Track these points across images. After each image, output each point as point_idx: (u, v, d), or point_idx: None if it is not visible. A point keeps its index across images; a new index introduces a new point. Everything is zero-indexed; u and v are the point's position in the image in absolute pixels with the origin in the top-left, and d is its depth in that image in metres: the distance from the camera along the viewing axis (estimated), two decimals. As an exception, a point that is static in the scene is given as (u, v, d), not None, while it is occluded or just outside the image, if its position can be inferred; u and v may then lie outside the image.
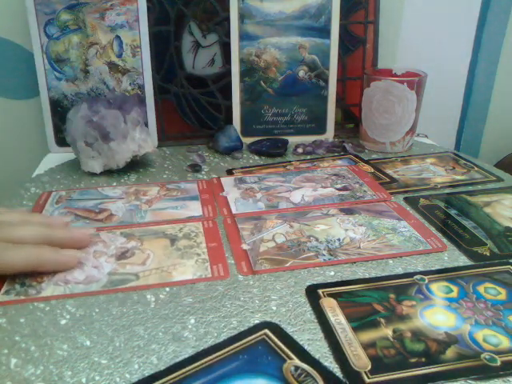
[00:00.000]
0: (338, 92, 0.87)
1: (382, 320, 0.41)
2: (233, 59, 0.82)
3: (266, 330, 0.40)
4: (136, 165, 0.75)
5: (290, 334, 0.40)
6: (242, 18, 0.80)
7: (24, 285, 0.46)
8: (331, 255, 0.51)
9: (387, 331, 0.40)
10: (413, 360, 0.37)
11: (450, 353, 0.38)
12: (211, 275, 0.48)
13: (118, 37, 0.78)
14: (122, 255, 0.51)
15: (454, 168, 0.75)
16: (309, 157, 0.80)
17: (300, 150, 0.81)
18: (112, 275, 0.48)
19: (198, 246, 0.52)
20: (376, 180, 0.70)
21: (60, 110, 0.80)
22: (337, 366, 0.37)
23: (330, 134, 0.87)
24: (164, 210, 0.61)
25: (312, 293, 0.45)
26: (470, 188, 0.68)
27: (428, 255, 0.51)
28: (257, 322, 0.41)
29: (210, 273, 0.48)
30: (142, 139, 0.72)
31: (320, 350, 0.38)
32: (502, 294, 0.45)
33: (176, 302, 0.44)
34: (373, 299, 0.44)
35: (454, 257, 0.51)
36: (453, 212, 0.61)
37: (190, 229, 0.56)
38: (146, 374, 0.36)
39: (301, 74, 0.84)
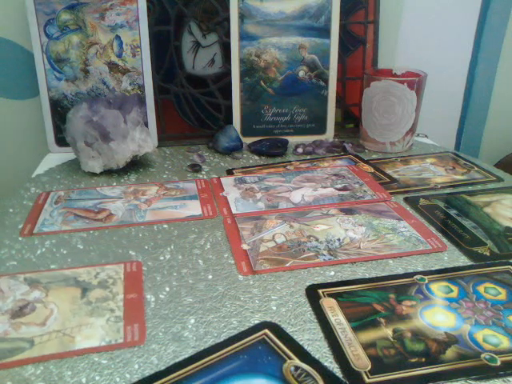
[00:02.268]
0: (337, 92, 0.87)
1: (382, 320, 0.41)
2: (233, 59, 0.82)
3: (266, 330, 0.40)
4: (136, 165, 0.75)
5: (290, 334, 0.40)
6: (242, 17, 0.80)
7: None
8: (331, 255, 0.51)
9: (387, 331, 0.40)
10: (413, 360, 0.37)
11: (449, 353, 0.38)
12: (123, 340, 0.39)
13: (117, 37, 0.78)
14: (20, 311, 0.42)
15: (454, 168, 0.75)
16: (309, 157, 0.80)
17: (300, 150, 0.81)
18: None
19: (113, 298, 0.44)
20: (376, 180, 0.70)
21: (60, 110, 0.80)
22: (337, 365, 0.37)
23: (329, 134, 0.87)
24: (163, 210, 0.61)
25: (312, 293, 0.45)
26: (470, 188, 0.68)
27: (428, 255, 0.51)
28: (257, 322, 0.41)
29: (122, 337, 0.40)
30: (141, 139, 0.72)
31: (320, 349, 0.38)
32: (502, 294, 0.45)
33: (176, 301, 0.44)
34: (373, 299, 0.44)
35: (454, 257, 0.51)
36: (453, 212, 0.61)
37: (108, 274, 0.47)
38: (146, 374, 0.36)
39: (301, 74, 0.84)
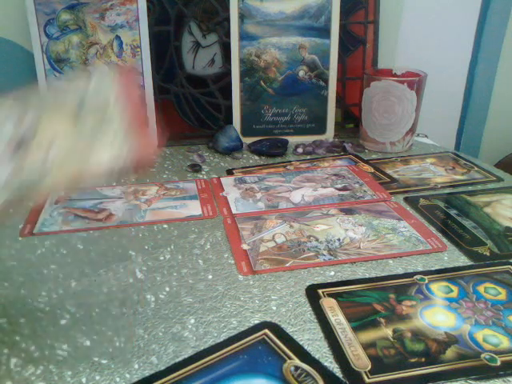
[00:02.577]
0: (337, 92, 0.87)
1: (382, 320, 0.41)
2: (233, 59, 0.82)
3: (266, 330, 0.40)
4: (136, 165, 0.75)
5: (290, 333, 0.40)
6: (242, 17, 0.80)
7: None
8: (331, 255, 0.51)
9: (387, 331, 0.40)
10: (413, 360, 0.37)
11: (449, 353, 0.38)
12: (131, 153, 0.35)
13: (117, 37, 0.78)
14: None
15: (453, 168, 0.75)
16: (309, 157, 0.80)
17: (300, 150, 0.81)
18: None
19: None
20: (376, 180, 0.70)
21: (60, 110, 0.80)
22: (337, 366, 0.37)
23: (329, 134, 0.87)
24: (163, 210, 0.61)
25: (312, 293, 0.45)
26: (470, 188, 0.68)
27: (428, 255, 0.51)
28: (257, 322, 0.41)
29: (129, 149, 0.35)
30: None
31: (320, 349, 0.38)
32: (502, 294, 0.45)
33: (176, 301, 0.44)
34: (373, 299, 0.44)
35: (454, 257, 0.51)
36: (453, 212, 0.61)
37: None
38: (146, 374, 0.36)
39: (301, 74, 0.84)
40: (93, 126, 0.36)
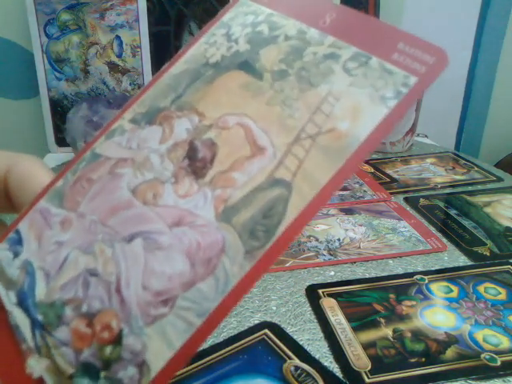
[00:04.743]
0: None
1: (382, 320, 0.41)
2: (233, 59, 0.82)
3: (266, 330, 0.40)
4: (136, 165, 0.75)
5: (290, 334, 0.40)
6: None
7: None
8: (331, 255, 0.51)
9: (387, 331, 0.40)
10: (413, 360, 0.37)
11: (449, 353, 0.38)
12: None
13: (117, 37, 0.78)
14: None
15: (453, 168, 0.75)
16: (309, 157, 0.79)
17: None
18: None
19: None
20: (376, 180, 0.70)
21: (60, 110, 0.80)
22: (337, 366, 0.37)
23: (329, 134, 0.87)
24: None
25: (312, 293, 0.45)
26: (470, 188, 0.68)
27: (428, 255, 0.51)
28: (257, 322, 0.41)
29: None
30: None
31: (320, 350, 0.38)
32: (502, 293, 0.45)
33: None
34: (373, 299, 0.44)
35: (454, 257, 0.51)
36: (453, 212, 0.61)
37: None
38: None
39: (301, 73, 0.84)
40: None
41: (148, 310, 0.16)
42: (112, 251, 0.18)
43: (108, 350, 0.16)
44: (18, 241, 0.20)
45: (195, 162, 0.19)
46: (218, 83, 0.21)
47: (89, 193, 0.20)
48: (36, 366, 0.18)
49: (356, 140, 0.17)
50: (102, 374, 0.16)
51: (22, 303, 0.19)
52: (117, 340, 0.16)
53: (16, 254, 0.20)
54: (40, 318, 0.18)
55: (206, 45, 0.23)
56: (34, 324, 0.18)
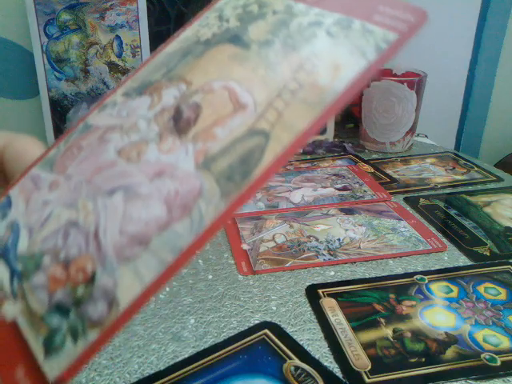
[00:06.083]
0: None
1: (382, 320, 0.41)
2: (233, 59, 0.82)
3: (266, 330, 0.40)
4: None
5: (290, 334, 0.40)
6: (241, 17, 0.80)
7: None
8: (331, 255, 0.51)
9: (387, 331, 0.40)
10: (413, 360, 0.37)
11: (449, 353, 0.38)
12: None
13: (117, 37, 0.78)
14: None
15: (453, 168, 0.75)
16: (309, 157, 0.80)
17: (300, 150, 0.81)
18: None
19: None
20: (376, 180, 0.70)
21: (60, 110, 0.80)
22: (337, 366, 0.37)
23: (329, 134, 0.87)
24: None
25: (312, 293, 0.45)
26: (470, 188, 0.68)
27: (428, 255, 0.51)
28: (257, 322, 0.41)
29: None
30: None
31: (320, 350, 0.38)
32: (502, 293, 0.45)
33: (176, 301, 0.44)
34: (373, 299, 0.44)
35: (454, 257, 0.51)
36: (453, 212, 0.61)
37: None
38: (146, 374, 0.36)
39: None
40: None
41: (123, 252, 0.17)
42: (93, 204, 0.18)
43: (80, 289, 0.17)
44: (7, 204, 0.21)
45: (180, 122, 0.20)
46: (208, 56, 0.22)
47: (78, 158, 0.21)
48: (10, 309, 0.18)
49: (334, 92, 0.18)
50: (73, 310, 0.17)
51: (2, 256, 0.19)
52: (90, 280, 0.17)
53: (4, 216, 0.20)
54: (19, 267, 0.18)
55: (199, 27, 0.25)
56: (13, 273, 0.19)
